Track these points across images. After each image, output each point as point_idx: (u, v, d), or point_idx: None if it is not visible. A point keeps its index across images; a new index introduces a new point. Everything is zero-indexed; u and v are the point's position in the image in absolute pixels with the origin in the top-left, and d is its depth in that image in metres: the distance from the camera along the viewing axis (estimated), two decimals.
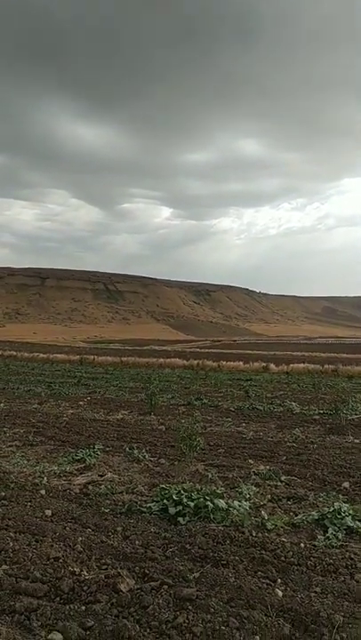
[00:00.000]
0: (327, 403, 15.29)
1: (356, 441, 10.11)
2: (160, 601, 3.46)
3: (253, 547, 4.57)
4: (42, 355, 43.39)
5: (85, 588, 3.67)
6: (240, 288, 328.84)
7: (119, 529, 5.02)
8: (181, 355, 44.44)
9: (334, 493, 6.35)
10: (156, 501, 5.78)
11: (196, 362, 35.02)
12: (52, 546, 4.44)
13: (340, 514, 5.25)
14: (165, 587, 3.69)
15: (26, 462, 7.95)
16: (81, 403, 15.68)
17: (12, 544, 4.43)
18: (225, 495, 5.97)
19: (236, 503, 5.66)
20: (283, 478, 7.12)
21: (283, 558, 4.31)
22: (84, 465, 7.74)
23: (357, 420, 12.54)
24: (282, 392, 19.68)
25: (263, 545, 4.59)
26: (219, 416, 13.33)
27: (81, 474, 7.38)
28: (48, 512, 5.48)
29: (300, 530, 5.14)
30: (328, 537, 4.86)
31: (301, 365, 32.25)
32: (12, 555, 4.21)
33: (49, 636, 3.05)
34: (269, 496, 6.31)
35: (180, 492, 5.79)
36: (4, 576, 3.80)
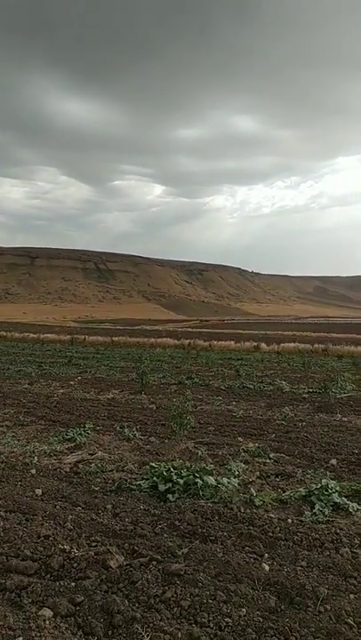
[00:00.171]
0: (317, 382, 15.46)
1: (345, 419, 10.26)
2: (149, 576, 3.52)
3: (242, 522, 4.65)
4: (32, 335, 43.11)
5: (75, 564, 3.72)
6: (232, 267, 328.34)
7: (109, 506, 5.07)
8: (173, 334, 44.52)
9: (322, 470, 6.46)
10: (146, 479, 5.84)
11: (187, 341, 35.12)
12: (43, 524, 4.48)
13: (327, 490, 5.34)
14: (154, 562, 3.75)
15: (16, 442, 7.98)
16: (72, 382, 15.70)
17: (2, 523, 4.46)
18: (214, 472, 6.04)
19: (225, 480, 5.74)
20: (271, 456, 7.22)
21: (270, 534, 4.39)
22: (74, 444, 7.78)
23: (346, 399, 12.70)
24: (272, 371, 19.85)
25: (251, 521, 4.67)
26: (209, 395, 13.42)
27: (71, 453, 7.42)
28: (38, 491, 5.52)
29: (288, 506, 5.23)
30: (315, 513, 4.95)
31: (292, 345, 32.39)
32: (2, 534, 4.25)
33: (39, 612, 3.09)
34: (258, 473, 6.40)
35: (169, 469, 5.85)
36: None
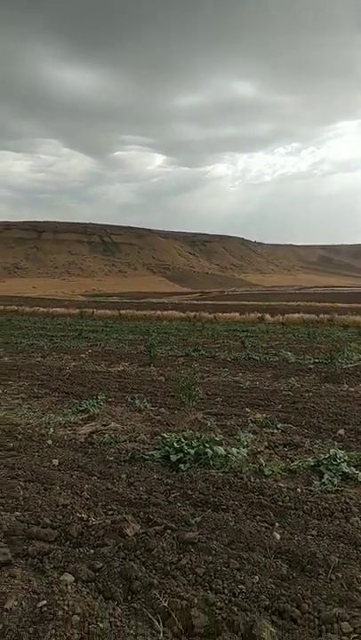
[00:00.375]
0: (322, 352, 15.51)
1: (351, 389, 10.35)
2: (164, 544, 3.65)
3: (252, 492, 4.78)
4: (42, 309, 43.44)
5: (93, 532, 3.86)
6: (235, 237, 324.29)
7: (123, 476, 5.21)
8: (178, 307, 44.51)
9: (330, 440, 6.57)
10: (158, 449, 5.98)
11: (192, 314, 35.14)
12: (61, 493, 4.62)
13: (335, 460, 5.45)
14: (169, 531, 3.88)
15: (32, 414, 8.15)
16: (83, 355, 15.87)
17: (22, 492, 4.61)
18: (223, 442, 6.17)
19: (234, 450, 5.86)
20: (279, 426, 7.33)
21: (280, 503, 4.51)
22: (87, 415, 7.94)
23: (352, 369, 12.77)
24: (277, 342, 19.91)
25: (261, 490, 4.79)
26: (216, 366, 13.54)
27: (85, 424, 7.58)
28: (55, 461, 5.67)
29: (297, 475, 5.35)
30: (324, 482, 5.06)
31: (297, 315, 32.33)
32: (22, 502, 4.40)
33: (61, 577, 3.22)
34: (266, 443, 6.52)
35: (180, 439, 5.99)
36: (16, 522, 3.98)
